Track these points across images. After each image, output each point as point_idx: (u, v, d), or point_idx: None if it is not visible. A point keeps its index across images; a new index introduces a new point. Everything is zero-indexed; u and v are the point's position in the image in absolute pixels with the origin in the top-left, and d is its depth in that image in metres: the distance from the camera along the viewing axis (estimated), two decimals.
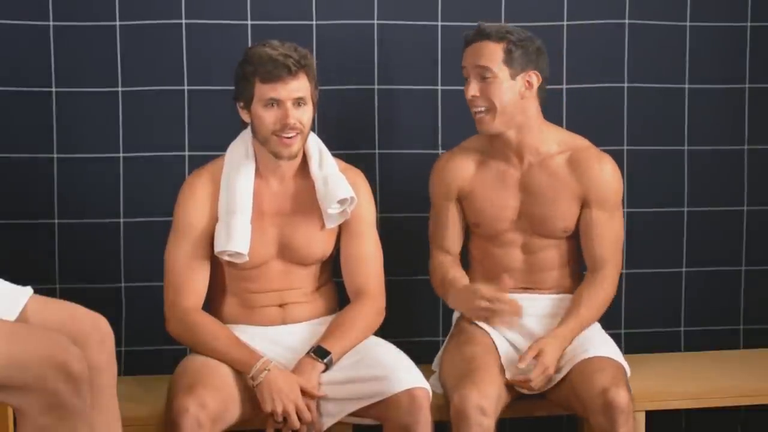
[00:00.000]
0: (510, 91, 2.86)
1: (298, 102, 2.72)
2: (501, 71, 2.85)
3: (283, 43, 2.74)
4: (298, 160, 2.82)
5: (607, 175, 2.95)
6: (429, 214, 3.07)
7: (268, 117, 2.72)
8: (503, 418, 2.82)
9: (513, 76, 2.86)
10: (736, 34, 3.43)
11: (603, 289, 2.95)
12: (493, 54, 2.85)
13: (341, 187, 2.80)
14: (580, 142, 3.01)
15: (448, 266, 3.01)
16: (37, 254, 3.19)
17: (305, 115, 2.74)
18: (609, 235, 2.96)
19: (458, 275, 2.99)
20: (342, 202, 2.81)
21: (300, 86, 2.72)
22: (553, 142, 2.97)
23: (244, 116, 2.78)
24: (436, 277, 3.04)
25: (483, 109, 2.87)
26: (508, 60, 2.85)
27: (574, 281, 3.02)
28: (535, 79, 2.89)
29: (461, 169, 3.00)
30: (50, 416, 2.19)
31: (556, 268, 3.01)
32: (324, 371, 2.73)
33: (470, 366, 2.79)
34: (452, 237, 3.03)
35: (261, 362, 2.69)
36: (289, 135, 2.73)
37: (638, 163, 3.41)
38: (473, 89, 2.87)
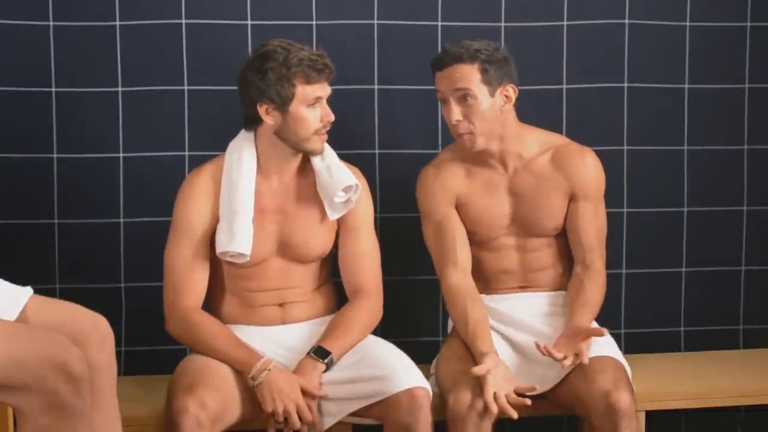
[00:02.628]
0: (491, 110, 2.85)
1: (328, 99, 2.79)
2: (480, 92, 2.83)
3: (300, 44, 2.76)
4: (300, 156, 2.83)
5: (589, 167, 2.97)
6: (425, 234, 2.99)
7: (313, 116, 2.75)
8: (503, 419, 2.82)
9: (492, 93, 2.85)
10: (736, 34, 3.42)
11: (598, 284, 2.93)
12: (470, 75, 2.82)
13: (345, 174, 2.82)
14: (559, 139, 3.02)
15: (466, 302, 2.88)
16: (37, 254, 3.19)
17: None
18: (594, 227, 2.97)
19: (485, 337, 2.83)
20: (347, 189, 2.81)
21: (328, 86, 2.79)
22: (533, 143, 2.97)
23: (271, 119, 2.76)
24: (457, 302, 2.91)
25: (467, 131, 2.85)
26: (486, 79, 2.83)
27: (568, 277, 3.02)
28: (512, 92, 2.88)
29: (454, 177, 2.97)
30: (50, 416, 2.19)
31: (550, 265, 3.02)
32: (325, 371, 2.73)
33: (465, 368, 2.79)
34: (464, 249, 2.95)
35: (261, 362, 2.69)
36: (326, 130, 2.78)
37: (638, 163, 3.41)
38: (456, 114, 2.84)
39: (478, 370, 2.72)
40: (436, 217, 2.97)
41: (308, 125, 2.75)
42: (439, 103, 2.93)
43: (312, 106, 2.74)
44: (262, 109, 2.75)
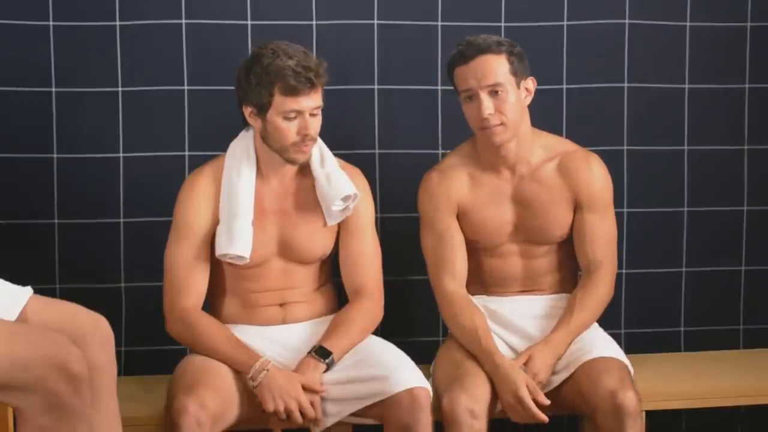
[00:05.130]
0: (518, 102, 2.82)
1: (315, 111, 2.73)
2: (509, 83, 2.80)
3: (297, 50, 2.70)
4: None
5: (595, 176, 2.93)
6: (423, 239, 2.97)
7: (290, 129, 2.71)
8: (502, 419, 2.82)
9: (518, 85, 2.82)
10: (736, 34, 3.42)
11: (598, 291, 2.92)
12: (501, 66, 2.79)
13: (344, 183, 2.81)
14: (566, 145, 2.98)
15: (471, 311, 2.87)
16: (37, 254, 3.19)
17: (319, 122, 2.74)
18: (602, 235, 2.94)
19: (491, 339, 2.84)
20: (345, 199, 2.81)
21: (317, 97, 2.72)
22: (540, 148, 2.93)
23: (253, 122, 2.75)
24: (459, 310, 2.89)
25: (498, 122, 2.80)
26: (513, 70, 2.80)
27: (571, 281, 3.01)
28: (531, 84, 2.86)
29: (458, 184, 2.93)
30: (50, 416, 2.19)
31: (553, 271, 3.00)
32: (325, 371, 2.73)
33: (460, 370, 2.79)
34: (462, 260, 2.92)
35: (260, 362, 2.69)
36: (307, 144, 2.73)
37: (638, 163, 3.41)
38: (488, 107, 2.77)
39: (519, 360, 2.78)
40: (438, 226, 2.94)
41: (284, 136, 2.71)
42: (462, 102, 2.84)
43: (289, 119, 2.70)
44: (246, 111, 2.75)
